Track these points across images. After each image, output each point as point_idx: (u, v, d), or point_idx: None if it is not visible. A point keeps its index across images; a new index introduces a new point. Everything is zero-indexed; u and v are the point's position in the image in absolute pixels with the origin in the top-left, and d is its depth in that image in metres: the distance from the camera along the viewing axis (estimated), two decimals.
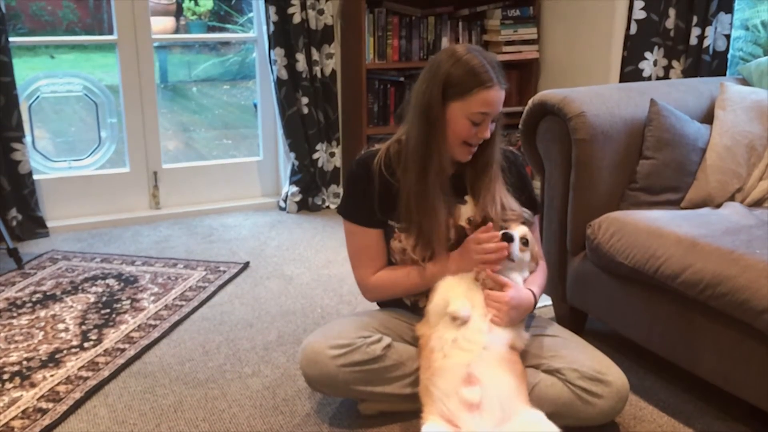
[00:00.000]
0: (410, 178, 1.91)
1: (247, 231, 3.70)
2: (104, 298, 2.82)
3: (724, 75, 3.17)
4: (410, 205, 1.91)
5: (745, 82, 2.70)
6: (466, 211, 1.97)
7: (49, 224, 3.63)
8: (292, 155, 3.95)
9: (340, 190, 4.12)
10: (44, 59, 5.96)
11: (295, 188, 3.99)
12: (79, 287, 2.92)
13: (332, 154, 4.05)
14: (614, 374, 1.88)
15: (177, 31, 6.30)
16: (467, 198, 1.97)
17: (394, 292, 2.04)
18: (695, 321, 1.97)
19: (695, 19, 3.16)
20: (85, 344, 2.44)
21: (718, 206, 2.31)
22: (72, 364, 2.30)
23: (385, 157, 1.96)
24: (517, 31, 4.03)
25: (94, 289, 2.91)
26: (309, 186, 4.03)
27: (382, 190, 1.95)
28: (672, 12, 3.24)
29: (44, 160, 3.84)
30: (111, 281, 2.98)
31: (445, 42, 4.05)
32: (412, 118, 1.92)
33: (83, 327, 2.57)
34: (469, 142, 1.88)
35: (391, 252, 2.01)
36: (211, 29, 6.33)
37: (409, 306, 2.05)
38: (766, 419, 1.91)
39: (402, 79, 3.99)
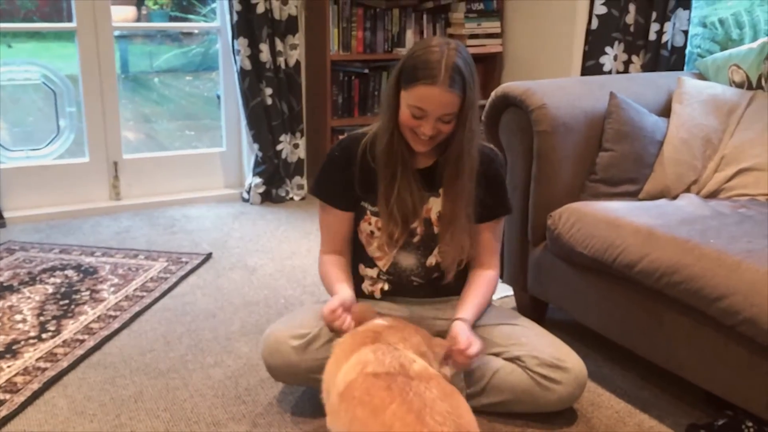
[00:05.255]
0: (379, 163, 1.92)
1: (210, 222, 3.68)
2: (63, 289, 2.77)
3: (682, 70, 3.23)
4: (382, 190, 1.93)
5: (701, 76, 2.76)
6: (437, 204, 1.98)
7: (6, 215, 3.55)
8: (256, 146, 3.92)
9: (305, 182, 4.11)
10: (1, 48, 5.82)
11: (258, 180, 3.97)
12: (37, 278, 2.87)
13: (296, 146, 4.03)
14: (573, 361, 1.91)
15: (138, 20, 6.20)
16: (441, 191, 1.98)
17: (322, 281, 2.08)
18: (652, 309, 2.01)
19: (654, 14, 3.21)
20: (43, 335, 2.40)
21: (675, 197, 2.36)
22: (30, 355, 2.27)
23: (372, 138, 1.96)
24: (480, 24, 4.06)
25: (52, 280, 2.86)
26: (273, 177, 4.01)
27: (363, 173, 1.96)
28: (632, 7, 3.29)
29: (1, 149, 3.76)
30: (70, 272, 2.94)
31: (409, 35, 4.07)
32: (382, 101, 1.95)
33: (41, 318, 2.53)
34: (415, 132, 1.85)
35: (359, 232, 2.03)
36: (174, 19, 6.24)
37: (366, 295, 2.07)
38: (721, 404, 1.96)
39: (366, 71, 4.00)
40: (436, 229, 1.99)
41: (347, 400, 1.45)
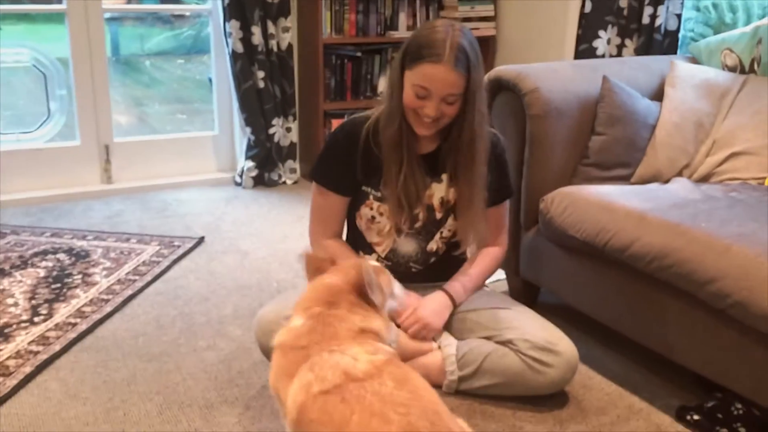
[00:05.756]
0: (385, 149, 1.92)
1: (203, 206, 3.67)
2: (55, 273, 2.76)
3: (675, 54, 3.23)
4: (389, 177, 1.93)
5: (694, 60, 2.76)
6: (440, 190, 1.98)
7: None
8: (248, 130, 3.91)
9: (297, 166, 4.10)
10: None
11: (251, 163, 3.96)
12: (29, 262, 2.86)
13: (289, 129, 4.02)
14: (564, 344, 1.93)
15: (129, 2, 6.15)
16: (444, 177, 1.98)
17: None
18: (643, 293, 2.02)
19: None
20: (35, 319, 2.40)
21: (667, 181, 2.37)
22: (22, 339, 2.26)
23: (375, 122, 1.95)
24: (474, 8, 4.04)
25: (44, 263, 2.85)
26: (265, 161, 4.00)
27: (365, 156, 1.96)
28: None
29: None
30: (62, 256, 2.93)
31: (402, 18, 4.04)
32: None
33: (33, 302, 2.52)
34: (419, 114, 1.85)
35: (358, 218, 2.03)
36: (165, 1, 6.18)
37: None
38: (710, 387, 1.98)
39: (359, 54, 3.97)
40: (438, 215, 2.00)
41: (306, 425, 1.40)
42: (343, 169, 1.98)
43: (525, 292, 2.53)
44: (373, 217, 2.01)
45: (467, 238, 2.03)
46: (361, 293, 1.60)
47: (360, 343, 1.49)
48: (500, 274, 2.64)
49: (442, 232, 2.03)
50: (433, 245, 2.03)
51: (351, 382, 1.39)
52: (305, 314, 1.58)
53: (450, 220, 2.02)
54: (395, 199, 1.93)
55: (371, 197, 2.00)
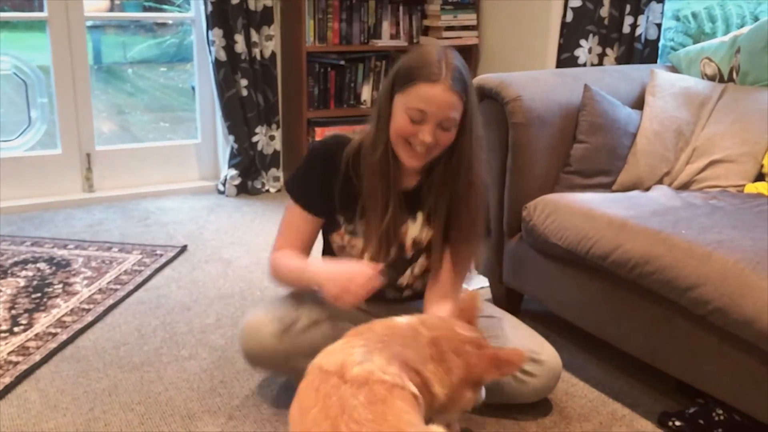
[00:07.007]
0: (367, 181, 1.81)
1: (185, 215, 3.65)
2: (35, 282, 2.74)
3: (655, 63, 3.26)
4: (368, 212, 1.83)
5: (674, 69, 2.79)
6: (413, 229, 1.89)
7: None
8: (231, 138, 3.90)
9: (281, 174, 4.09)
10: None
11: (234, 171, 3.95)
12: (8, 271, 2.83)
13: (272, 138, 4.01)
14: (548, 353, 1.93)
15: (111, 10, 6.13)
16: (419, 215, 1.88)
17: (284, 280, 1.95)
18: (625, 299, 2.04)
19: (628, 8, 3.24)
20: (15, 329, 2.37)
21: (648, 189, 2.39)
22: (1, 349, 2.24)
23: (355, 151, 1.84)
24: (457, 16, 4.06)
25: (24, 273, 2.82)
26: (248, 169, 3.99)
27: (343, 185, 1.85)
28: (606, 1, 3.32)
29: None
30: (42, 265, 2.90)
31: (385, 26, 4.06)
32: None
33: (13, 311, 2.49)
34: (411, 142, 1.74)
35: (329, 243, 1.98)
36: (147, 9, 6.17)
37: None
38: (692, 393, 1.99)
39: (342, 62, 3.98)
40: (408, 254, 1.92)
41: (300, 389, 1.45)
42: (321, 191, 1.87)
43: (508, 300, 2.53)
44: (343, 247, 1.93)
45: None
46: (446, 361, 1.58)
47: (390, 363, 1.47)
48: (484, 281, 2.65)
49: (413, 269, 1.95)
50: (404, 280, 1.97)
51: (335, 377, 1.41)
52: (421, 319, 1.63)
53: (421, 259, 1.93)
54: (377, 238, 1.83)
55: (343, 228, 1.91)
